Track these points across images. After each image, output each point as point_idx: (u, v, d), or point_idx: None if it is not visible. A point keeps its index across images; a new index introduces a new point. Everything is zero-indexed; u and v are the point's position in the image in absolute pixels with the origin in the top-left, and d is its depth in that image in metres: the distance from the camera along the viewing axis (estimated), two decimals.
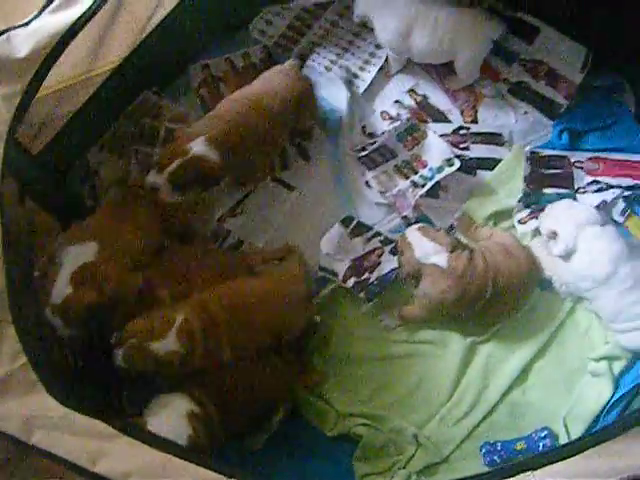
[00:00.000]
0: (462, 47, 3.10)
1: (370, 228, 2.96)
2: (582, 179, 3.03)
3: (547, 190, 3.00)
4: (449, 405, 2.67)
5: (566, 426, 2.60)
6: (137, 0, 2.63)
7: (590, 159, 3.07)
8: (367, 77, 3.32)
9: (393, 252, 2.86)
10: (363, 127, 3.23)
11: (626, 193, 2.94)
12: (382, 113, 3.26)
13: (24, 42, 2.14)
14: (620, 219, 2.91)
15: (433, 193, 3.03)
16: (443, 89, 3.31)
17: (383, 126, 3.20)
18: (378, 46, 3.36)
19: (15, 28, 2.16)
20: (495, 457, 2.53)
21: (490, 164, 3.11)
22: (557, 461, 1.81)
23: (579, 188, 3.01)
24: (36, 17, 2.21)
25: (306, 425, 2.65)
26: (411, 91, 3.31)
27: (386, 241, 2.91)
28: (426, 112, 3.26)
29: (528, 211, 2.96)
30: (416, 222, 2.92)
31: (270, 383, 2.51)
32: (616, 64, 3.17)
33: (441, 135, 3.15)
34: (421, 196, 2.99)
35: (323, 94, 3.27)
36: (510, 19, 3.19)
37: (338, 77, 3.30)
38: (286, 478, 2.56)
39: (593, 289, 2.65)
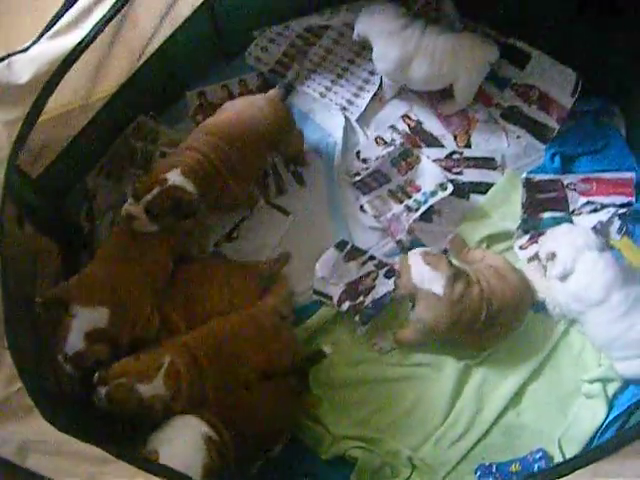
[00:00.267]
0: (461, 71, 3.15)
1: (365, 252, 2.97)
2: (576, 201, 3.08)
3: (544, 214, 3.03)
4: (444, 427, 2.68)
5: (561, 447, 2.61)
6: (135, 27, 2.64)
7: (582, 180, 3.12)
8: (361, 103, 3.37)
9: (387, 275, 2.87)
10: (357, 152, 3.26)
11: (620, 211, 2.98)
12: (376, 138, 3.29)
13: (24, 68, 2.17)
14: (618, 237, 2.94)
15: (427, 217, 3.06)
16: (436, 114, 3.35)
17: (377, 151, 3.22)
18: (372, 72, 3.41)
19: (15, 54, 2.19)
20: (490, 479, 2.53)
21: (483, 188, 3.15)
22: None
23: (574, 210, 3.05)
24: (35, 42, 2.24)
25: (301, 448, 2.64)
26: (405, 116, 3.35)
27: (380, 265, 2.93)
28: (420, 137, 3.30)
29: (527, 237, 2.99)
30: (410, 246, 2.95)
31: (278, 408, 2.50)
32: (606, 88, 3.22)
33: (434, 160, 3.18)
34: (415, 220, 3.01)
35: (318, 120, 3.32)
36: (502, 45, 3.23)
37: (333, 103, 3.35)
38: None
39: (585, 313, 2.67)
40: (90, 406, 2.28)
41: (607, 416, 2.63)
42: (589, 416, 2.65)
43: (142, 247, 2.60)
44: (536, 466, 2.54)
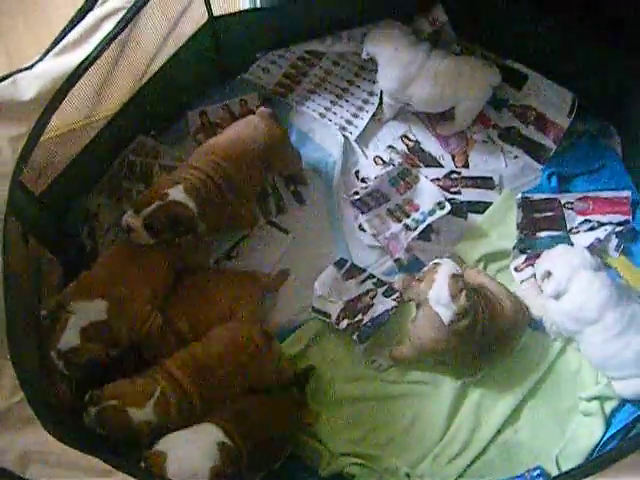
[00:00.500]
0: (463, 95, 3.20)
1: (363, 270, 2.99)
2: (573, 219, 3.10)
3: (540, 234, 3.06)
4: (442, 444, 2.69)
5: (558, 465, 2.62)
6: (138, 46, 2.69)
7: (580, 199, 3.14)
8: (360, 123, 3.40)
9: (386, 294, 2.89)
10: (356, 172, 3.29)
11: (618, 229, 3.01)
12: (375, 158, 3.32)
13: (29, 85, 2.21)
14: (615, 254, 2.97)
15: (425, 236, 3.08)
16: (435, 135, 3.39)
17: (376, 171, 3.25)
18: (371, 93, 3.46)
19: (20, 71, 2.23)
20: None
21: (481, 207, 3.18)
22: None
23: (572, 229, 3.07)
24: (40, 60, 2.29)
25: (300, 464, 2.64)
26: (403, 137, 3.39)
27: (379, 283, 2.94)
28: (418, 157, 3.33)
29: (524, 257, 3.00)
30: (409, 264, 3.00)
31: (284, 419, 2.52)
32: (602, 109, 3.26)
33: (433, 179, 3.22)
34: (413, 239, 3.04)
35: (317, 140, 3.36)
36: (499, 66, 3.27)
37: (332, 123, 3.38)
38: None
39: (580, 332, 2.68)
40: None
41: (605, 434, 2.64)
42: (587, 434, 2.66)
43: (143, 257, 2.63)
44: None
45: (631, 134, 3.22)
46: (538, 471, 2.55)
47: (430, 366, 2.81)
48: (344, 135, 3.34)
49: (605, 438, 2.62)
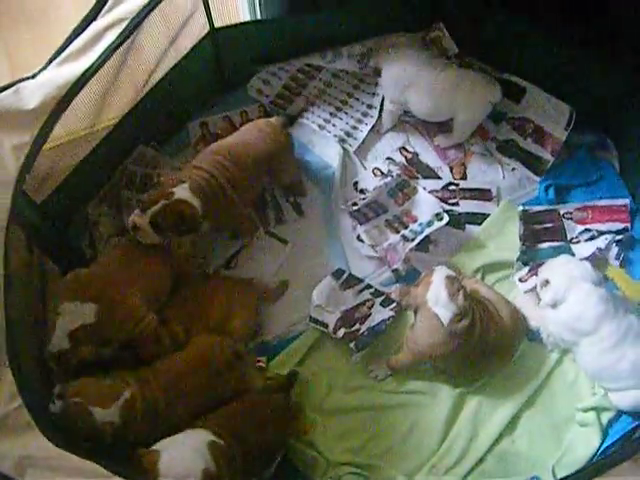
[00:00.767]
0: (461, 108, 3.23)
1: (361, 280, 3.00)
2: (573, 229, 3.12)
3: (542, 245, 3.08)
4: (439, 454, 2.69)
5: (555, 475, 2.61)
6: (139, 58, 2.72)
7: (578, 209, 3.16)
8: (359, 135, 3.43)
9: (383, 304, 2.91)
10: (355, 183, 3.32)
11: (617, 237, 3.03)
12: (374, 170, 3.35)
13: (32, 94, 2.23)
14: (616, 263, 2.99)
15: (423, 247, 3.10)
16: (433, 147, 3.41)
17: (375, 182, 3.28)
18: (370, 106, 3.49)
19: (23, 80, 2.26)
20: None
21: (479, 219, 3.20)
22: None
23: (572, 238, 3.09)
24: (43, 69, 2.31)
25: (297, 473, 2.64)
26: (402, 149, 3.41)
27: (377, 293, 2.96)
28: (416, 169, 3.36)
29: (527, 269, 3.01)
30: (407, 275, 3.01)
31: (276, 422, 2.52)
32: (599, 122, 3.29)
33: (431, 191, 3.24)
34: (411, 250, 3.06)
35: (317, 151, 3.39)
36: (498, 80, 3.30)
37: (331, 135, 3.41)
38: None
39: (577, 343, 2.69)
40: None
41: (601, 444, 2.64)
42: (583, 444, 2.66)
43: (140, 260, 2.66)
44: None
45: (628, 147, 3.26)
46: None
47: (428, 376, 2.82)
48: (343, 147, 3.37)
49: (602, 448, 2.62)
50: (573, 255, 2.98)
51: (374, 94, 3.50)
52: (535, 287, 2.89)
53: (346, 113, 3.50)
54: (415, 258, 3.07)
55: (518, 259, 3.04)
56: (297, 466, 2.65)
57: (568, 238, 3.09)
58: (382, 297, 2.94)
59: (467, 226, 3.19)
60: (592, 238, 3.05)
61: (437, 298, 2.57)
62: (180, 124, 3.40)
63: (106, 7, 2.44)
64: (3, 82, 2.26)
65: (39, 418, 1.94)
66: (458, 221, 3.18)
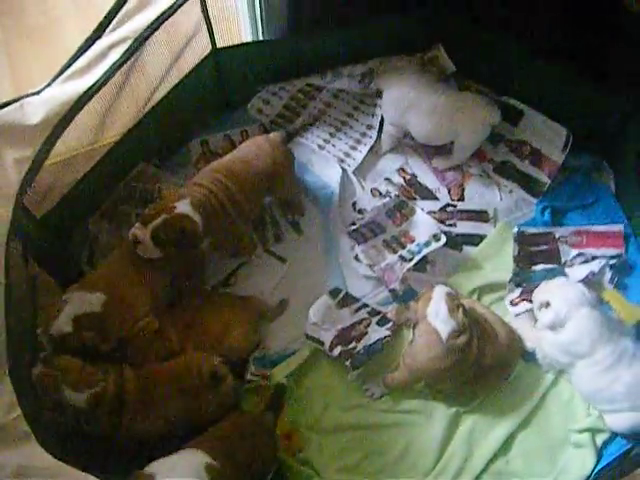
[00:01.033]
0: (461, 131, 3.25)
1: (358, 300, 3.02)
2: (568, 253, 3.14)
3: (536, 267, 3.10)
4: (434, 473, 2.69)
5: None
6: (141, 76, 2.75)
7: (573, 233, 3.18)
8: (358, 156, 3.46)
9: (380, 323, 2.92)
10: (354, 203, 3.34)
11: (611, 262, 3.05)
12: (372, 190, 3.37)
13: (36, 110, 2.26)
14: (610, 287, 3.00)
15: (420, 267, 3.12)
16: (431, 168, 3.44)
17: (373, 202, 3.30)
18: (370, 126, 3.52)
19: (28, 96, 2.29)
20: None
21: (476, 240, 3.22)
22: None
23: (566, 262, 3.10)
24: (48, 86, 2.34)
25: None
26: (400, 170, 3.44)
27: (373, 312, 2.97)
28: (415, 190, 3.38)
29: (519, 291, 3.03)
30: (404, 295, 3.02)
31: (266, 441, 2.53)
32: (596, 145, 3.31)
33: (429, 212, 3.27)
34: (408, 270, 3.07)
35: (316, 171, 3.41)
36: (495, 102, 3.33)
37: (331, 155, 3.44)
38: None
39: (572, 365, 2.71)
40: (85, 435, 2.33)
41: (596, 466, 2.65)
42: (578, 465, 2.67)
43: (143, 268, 2.69)
44: None
45: (624, 170, 3.27)
46: None
47: (423, 395, 2.82)
48: (342, 167, 3.40)
49: (596, 470, 2.63)
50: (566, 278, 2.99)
51: (373, 115, 3.53)
52: (526, 311, 2.93)
53: (345, 133, 3.53)
54: (412, 278, 3.09)
55: (511, 280, 3.06)
56: None
57: (562, 261, 3.11)
58: (379, 316, 2.95)
59: (464, 247, 3.21)
60: (586, 262, 3.06)
61: (437, 313, 2.60)
62: (181, 142, 3.43)
63: (111, 26, 2.47)
64: (5, 98, 2.29)
65: (38, 429, 1.94)
66: (455, 242, 3.20)
